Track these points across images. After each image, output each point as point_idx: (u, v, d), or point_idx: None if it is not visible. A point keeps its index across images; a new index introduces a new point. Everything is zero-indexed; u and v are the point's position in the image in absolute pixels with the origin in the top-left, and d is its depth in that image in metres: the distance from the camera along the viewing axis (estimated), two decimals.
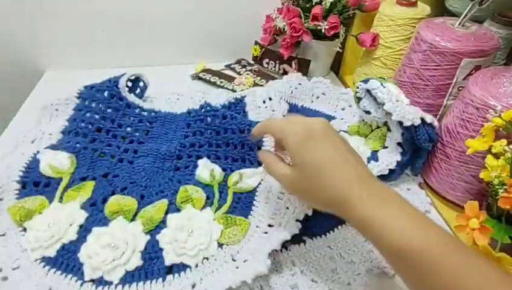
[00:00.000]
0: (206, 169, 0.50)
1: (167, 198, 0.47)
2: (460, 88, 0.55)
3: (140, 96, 0.65)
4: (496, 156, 0.39)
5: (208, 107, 0.54)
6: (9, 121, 0.62)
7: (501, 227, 0.38)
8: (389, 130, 0.55)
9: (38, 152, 0.51)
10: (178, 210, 0.45)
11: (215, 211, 0.46)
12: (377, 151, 0.55)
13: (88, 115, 0.56)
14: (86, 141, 0.54)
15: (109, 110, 0.57)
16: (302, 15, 0.69)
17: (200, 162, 0.51)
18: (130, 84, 0.63)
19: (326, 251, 0.43)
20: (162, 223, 0.44)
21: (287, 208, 0.42)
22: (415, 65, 0.57)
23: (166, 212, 0.45)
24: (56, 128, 0.55)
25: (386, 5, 0.67)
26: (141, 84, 0.65)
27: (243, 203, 0.47)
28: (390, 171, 0.52)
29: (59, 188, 0.47)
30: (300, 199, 0.41)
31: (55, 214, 0.44)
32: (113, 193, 0.47)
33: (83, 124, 0.55)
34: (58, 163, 0.49)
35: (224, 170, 0.50)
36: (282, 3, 0.73)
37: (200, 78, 0.76)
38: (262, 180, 0.48)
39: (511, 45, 0.64)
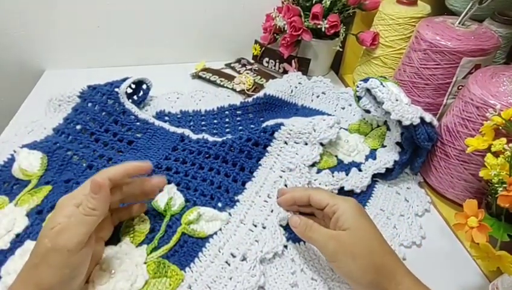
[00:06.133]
0: (167, 195, 0.46)
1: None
2: (460, 87, 0.55)
3: (143, 98, 0.65)
4: (496, 154, 0.40)
5: (205, 143, 0.52)
6: (9, 121, 0.62)
7: (500, 225, 0.38)
8: (388, 129, 0.55)
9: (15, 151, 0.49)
10: (118, 240, 0.41)
11: (151, 251, 0.40)
12: (375, 149, 0.55)
13: (81, 116, 0.55)
14: (66, 141, 0.52)
15: (103, 114, 0.55)
16: (302, 14, 0.69)
17: (165, 187, 0.46)
18: (133, 86, 0.63)
19: None
20: None
21: (230, 278, 0.39)
22: (414, 64, 0.57)
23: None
24: (51, 124, 0.55)
25: (386, 4, 0.67)
26: (144, 86, 0.65)
27: (187, 250, 0.41)
28: (390, 170, 0.52)
29: (23, 191, 0.45)
30: (342, 262, 0.37)
31: (2, 217, 0.42)
32: None
33: (73, 126, 0.53)
34: (28, 165, 0.47)
35: (187, 201, 0.46)
36: (282, 2, 0.73)
37: (200, 77, 0.76)
38: (220, 230, 0.43)
39: (511, 43, 0.64)
